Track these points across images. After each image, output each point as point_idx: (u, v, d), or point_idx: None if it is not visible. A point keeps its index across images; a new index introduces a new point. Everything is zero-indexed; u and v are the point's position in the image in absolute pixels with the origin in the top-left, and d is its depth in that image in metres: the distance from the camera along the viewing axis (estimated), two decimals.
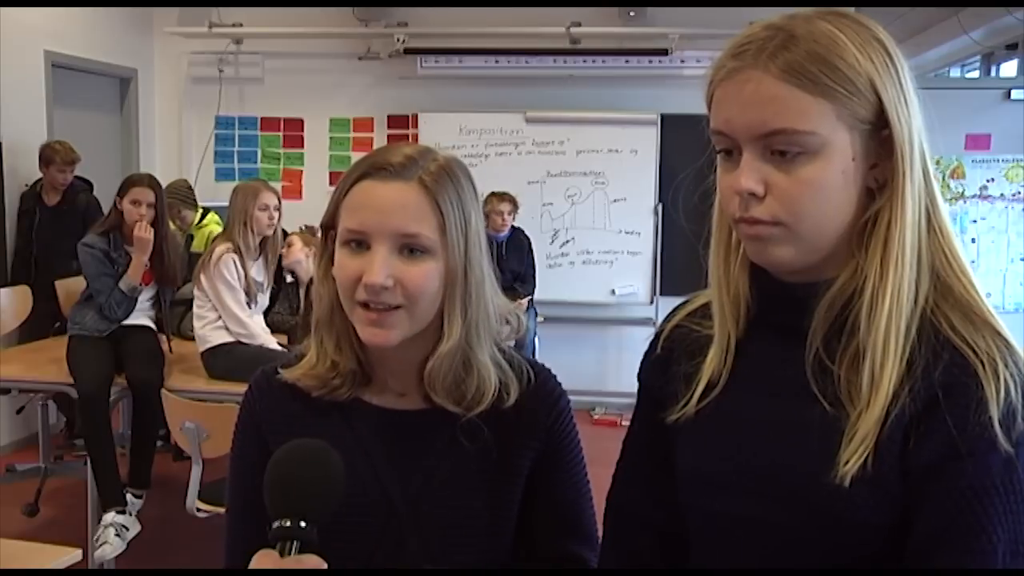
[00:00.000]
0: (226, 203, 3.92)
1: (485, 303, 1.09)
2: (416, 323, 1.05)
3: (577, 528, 1.16)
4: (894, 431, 0.86)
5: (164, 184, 4.08)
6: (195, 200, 5.09)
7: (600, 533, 1.14)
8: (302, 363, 1.12)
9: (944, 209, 0.91)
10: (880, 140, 0.87)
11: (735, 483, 0.95)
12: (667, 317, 1.10)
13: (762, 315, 0.97)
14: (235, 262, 3.63)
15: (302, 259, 4.35)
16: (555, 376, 1.19)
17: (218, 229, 4.72)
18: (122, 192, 3.73)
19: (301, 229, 4.59)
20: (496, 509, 1.11)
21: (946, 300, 0.89)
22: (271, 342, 3.72)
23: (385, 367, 1.11)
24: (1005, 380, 0.83)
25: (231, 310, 3.61)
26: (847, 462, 0.85)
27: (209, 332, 3.64)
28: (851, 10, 0.90)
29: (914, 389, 0.85)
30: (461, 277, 1.05)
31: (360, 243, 1.03)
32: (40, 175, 5.01)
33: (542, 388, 1.16)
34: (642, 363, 1.10)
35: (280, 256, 4.07)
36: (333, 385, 1.10)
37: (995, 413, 0.82)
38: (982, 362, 0.84)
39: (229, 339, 3.63)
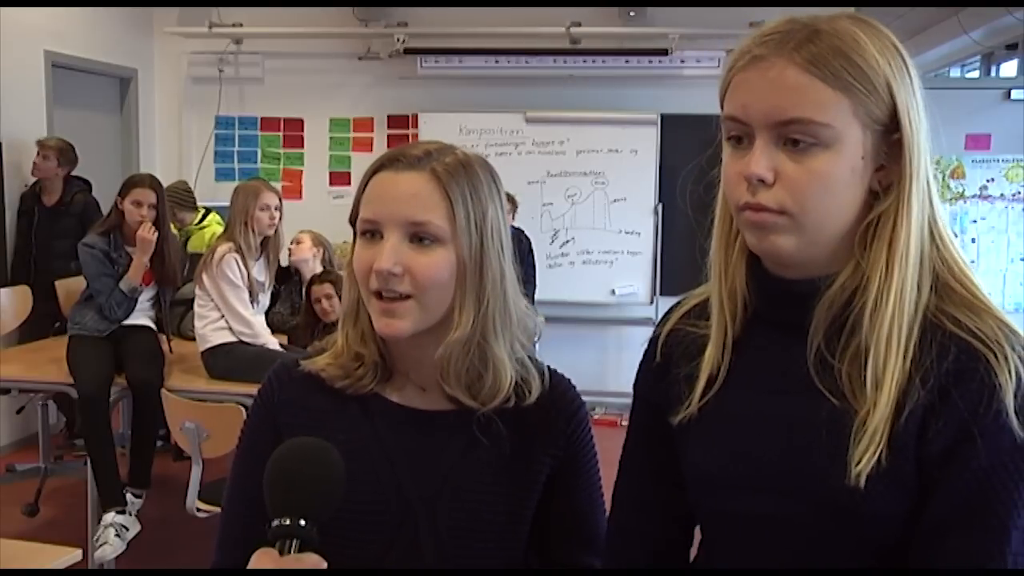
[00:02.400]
0: (226, 203, 3.92)
1: (504, 299, 1.08)
2: (428, 313, 1.04)
3: (591, 538, 1.16)
4: (909, 424, 0.86)
5: (164, 185, 4.08)
6: (194, 201, 5.08)
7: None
8: (325, 354, 1.13)
9: (943, 215, 0.93)
10: (889, 143, 0.89)
11: (747, 482, 0.95)
12: (662, 320, 1.10)
13: (761, 311, 0.97)
14: (237, 261, 3.63)
15: (309, 258, 4.35)
16: (574, 386, 1.19)
17: (219, 229, 4.72)
18: (123, 192, 3.73)
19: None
20: (512, 514, 1.11)
21: (946, 301, 0.90)
22: (273, 342, 3.72)
23: (406, 362, 1.11)
24: (1015, 364, 0.85)
25: (235, 309, 3.61)
26: (859, 462, 0.86)
27: (210, 332, 3.64)
28: (864, 14, 0.92)
29: (926, 382, 0.86)
30: (475, 269, 1.05)
31: (374, 233, 1.04)
32: None
33: (563, 395, 1.16)
34: (638, 373, 1.10)
35: (288, 252, 4.06)
36: (357, 376, 1.10)
37: (1008, 396, 0.83)
38: (990, 349, 0.85)
39: (230, 339, 3.63)
